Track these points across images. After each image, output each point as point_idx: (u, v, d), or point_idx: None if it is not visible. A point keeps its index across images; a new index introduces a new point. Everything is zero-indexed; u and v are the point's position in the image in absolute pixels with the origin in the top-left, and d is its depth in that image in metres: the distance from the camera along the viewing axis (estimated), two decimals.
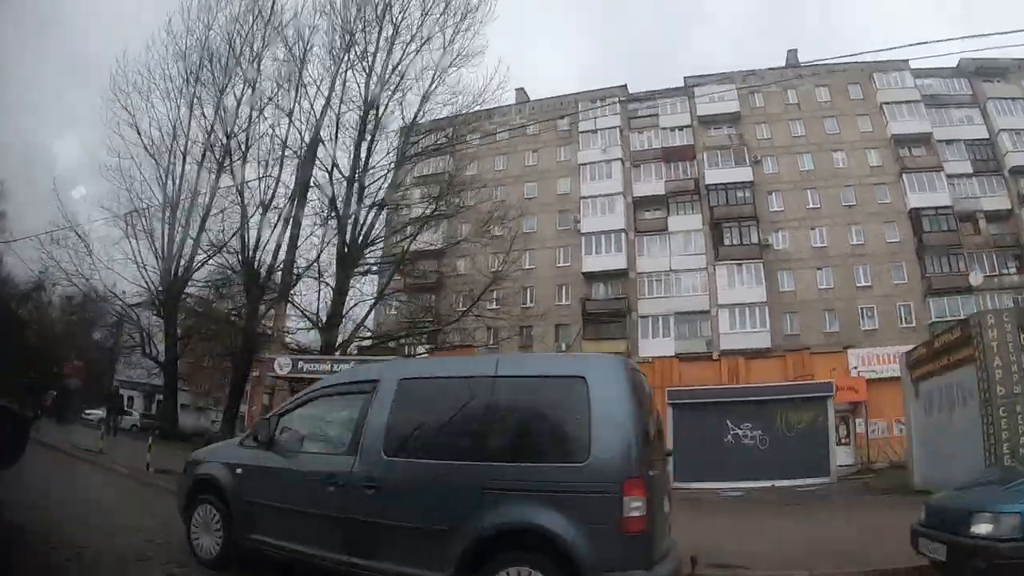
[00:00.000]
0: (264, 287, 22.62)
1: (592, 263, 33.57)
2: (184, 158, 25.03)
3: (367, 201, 21.68)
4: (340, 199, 21.40)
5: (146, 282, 24.72)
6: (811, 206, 32.94)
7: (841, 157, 33.43)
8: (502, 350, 27.70)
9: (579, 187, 35.21)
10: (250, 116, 23.27)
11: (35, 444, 14.67)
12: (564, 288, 34.15)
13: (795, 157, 33.86)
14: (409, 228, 22.38)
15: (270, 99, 22.39)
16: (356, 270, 21.40)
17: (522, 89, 38.55)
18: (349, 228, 21.31)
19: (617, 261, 33.32)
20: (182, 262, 25.03)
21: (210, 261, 24.89)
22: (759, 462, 18.49)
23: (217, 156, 23.88)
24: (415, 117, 21.52)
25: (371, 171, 21.75)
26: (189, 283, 25.55)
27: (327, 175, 21.30)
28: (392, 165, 21.82)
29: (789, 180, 33.50)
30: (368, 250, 21.59)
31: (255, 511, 5.24)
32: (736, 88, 34.31)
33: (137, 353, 27.96)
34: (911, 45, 36.98)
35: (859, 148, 33.42)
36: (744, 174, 33.48)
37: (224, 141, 23.39)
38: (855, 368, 26.02)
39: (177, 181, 25.04)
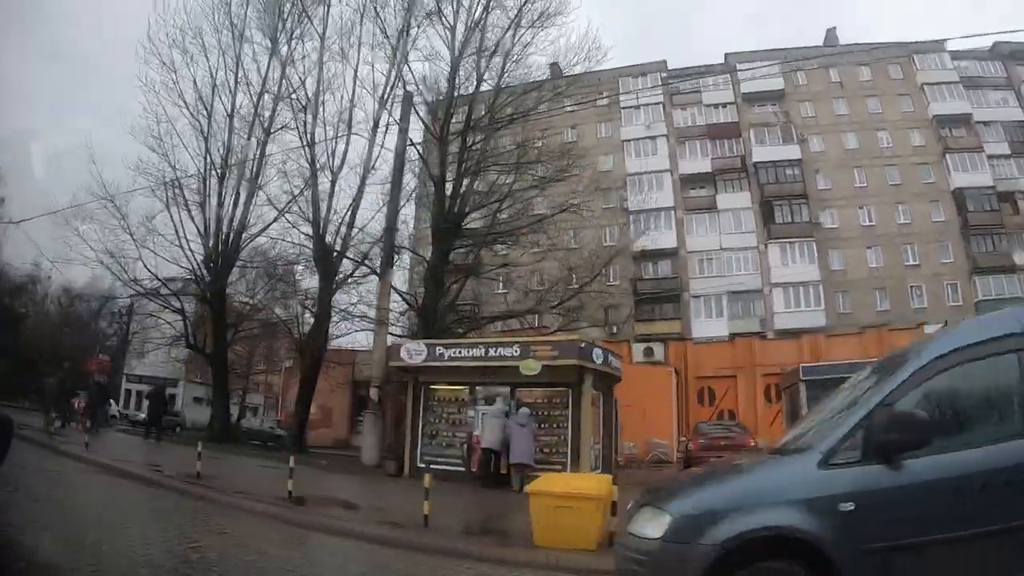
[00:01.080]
0: (338, 263, 20.58)
1: (642, 242, 32.55)
2: (231, 120, 22.59)
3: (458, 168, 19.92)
4: (434, 165, 19.64)
5: (190, 262, 22.23)
6: (858, 184, 32.88)
7: (885, 136, 33.48)
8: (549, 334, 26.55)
9: (624, 164, 34.12)
10: (320, 73, 20.98)
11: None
12: (612, 268, 33.01)
13: (840, 135, 33.72)
14: (496, 202, 20.54)
15: (343, 54, 20.24)
16: (456, 243, 19.62)
17: (556, 64, 37.00)
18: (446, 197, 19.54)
19: (667, 240, 32.44)
20: (231, 238, 22.58)
21: (265, 236, 22.49)
22: None
23: (264, 120, 21.65)
24: (500, 78, 19.85)
25: (454, 138, 19.93)
26: (237, 263, 22.98)
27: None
28: (479, 126, 19.99)
29: (835, 158, 33.35)
30: (467, 221, 19.81)
31: (883, 561, 3.39)
32: (779, 65, 33.67)
33: (179, 344, 24.81)
34: (955, 38, 37.04)
35: (902, 128, 33.53)
36: (792, 152, 33.15)
37: (289, 96, 21.07)
38: None
39: (224, 146, 22.59)
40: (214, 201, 22.23)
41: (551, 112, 21.32)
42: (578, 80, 21.93)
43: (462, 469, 14.16)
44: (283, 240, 21.39)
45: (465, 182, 19.79)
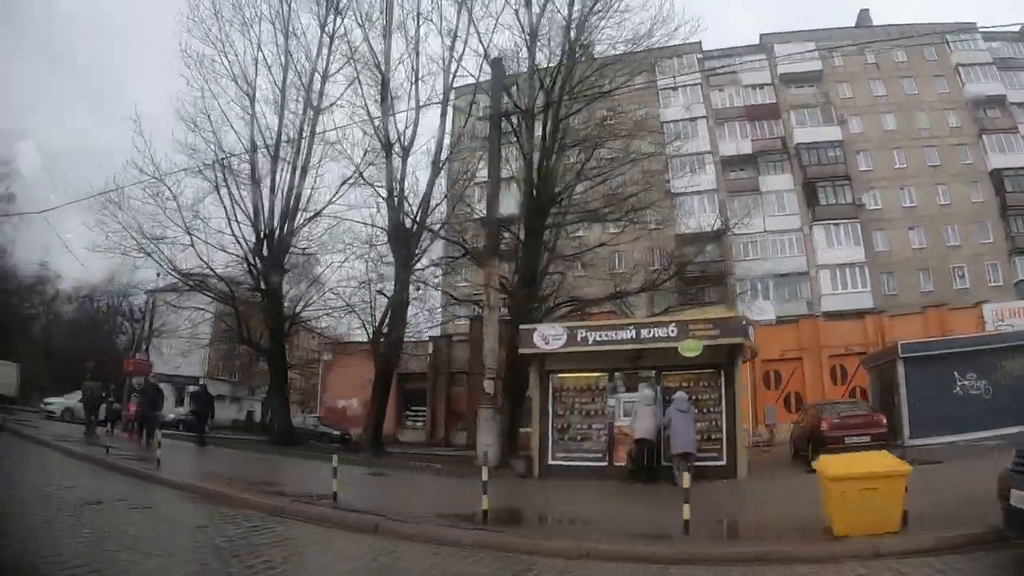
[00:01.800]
0: (416, 244, 19.26)
1: (686, 224, 31.91)
2: (283, 95, 20.99)
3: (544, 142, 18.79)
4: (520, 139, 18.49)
5: (242, 248, 20.59)
6: (898, 166, 32.82)
7: (922, 117, 33.46)
8: (597, 318, 25.80)
9: (664, 146, 33.31)
10: (388, 44, 19.56)
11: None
12: (655, 251, 32.34)
13: (878, 117, 33.61)
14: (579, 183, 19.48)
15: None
16: (548, 222, 18.53)
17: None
18: (535, 173, 18.41)
19: (711, 222, 31.81)
20: (284, 222, 20.95)
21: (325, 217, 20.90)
22: (987, 412, 17.61)
23: (315, 97, 20.17)
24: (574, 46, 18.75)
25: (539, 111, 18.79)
26: (291, 248, 21.36)
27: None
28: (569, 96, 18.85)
29: (875, 139, 33.24)
30: (562, 197, 18.72)
31: None
32: (816, 46, 33.47)
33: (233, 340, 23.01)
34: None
35: (938, 109, 33.56)
36: (833, 133, 32.90)
37: (354, 64, 19.59)
38: (998, 322, 25.93)
39: (276, 124, 20.96)
40: (267, 182, 20.77)
41: (633, 87, 20.41)
42: (650, 55, 20.89)
43: (602, 464, 13.14)
44: (344, 221, 19.79)
45: (553, 159, 18.74)
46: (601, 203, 19.04)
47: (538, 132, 18.74)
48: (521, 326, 14.96)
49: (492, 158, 17.33)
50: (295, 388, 41.22)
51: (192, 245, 19.80)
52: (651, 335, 13.16)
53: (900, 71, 34.28)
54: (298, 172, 20.68)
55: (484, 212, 20.35)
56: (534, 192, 18.31)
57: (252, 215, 20.44)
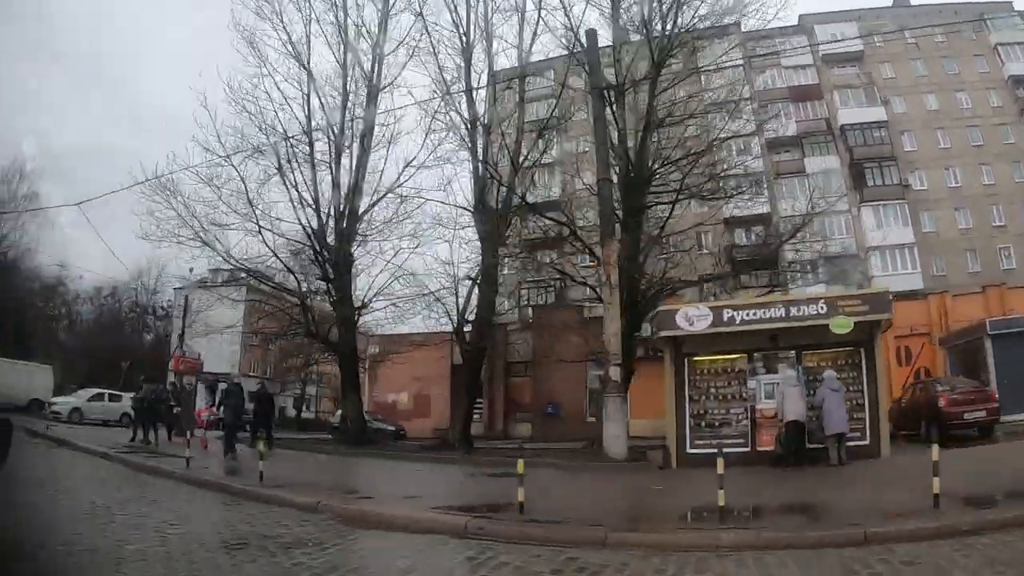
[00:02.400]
0: (504, 225, 18.28)
1: (734, 208, 31.36)
2: (347, 72, 19.81)
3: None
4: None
5: (308, 235, 19.42)
6: (942, 146, 32.62)
7: (964, 97, 33.29)
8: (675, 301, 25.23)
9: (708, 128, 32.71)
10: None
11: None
12: (702, 236, 31.78)
13: (921, 97, 33.35)
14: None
15: None
16: (646, 201, 17.73)
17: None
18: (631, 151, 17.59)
19: (759, 205, 31.32)
20: (349, 206, 19.80)
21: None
22: None
23: (382, 76, 19.02)
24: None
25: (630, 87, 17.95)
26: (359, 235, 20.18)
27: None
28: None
29: (919, 120, 32.99)
30: (657, 176, 17.91)
31: None
32: (857, 26, 33.16)
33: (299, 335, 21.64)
34: None
35: (979, 89, 33.39)
36: (878, 113, 32.60)
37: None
38: None
39: (339, 101, 19.77)
40: (332, 165, 19.62)
41: (721, 64, 19.74)
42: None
43: (744, 450, 12.51)
44: (424, 202, 18.66)
45: (647, 137, 17.92)
46: (698, 180, 18.27)
47: (631, 109, 18.00)
48: (660, 307, 14.26)
49: (598, 131, 16.52)
50: (327, 383, 40.12)
51: (259, 231, 18.60)
52: (800, 312, 12.61)
53: (940, 51, 34.02)
54: (365, 153, 19.63)
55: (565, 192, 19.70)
56: (630, 170, 17.54)
57: (314, 200, 19.37)
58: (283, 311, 20.57)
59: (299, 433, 29.12)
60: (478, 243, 18.04)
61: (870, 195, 31.49)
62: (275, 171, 18.93)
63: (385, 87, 19.69)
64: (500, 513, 7.50)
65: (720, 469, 7.25)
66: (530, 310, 27.25)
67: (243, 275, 20.14)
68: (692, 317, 13.11)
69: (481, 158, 18.29)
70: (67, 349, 34.49)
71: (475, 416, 27.80)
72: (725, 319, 12.90)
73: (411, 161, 18.98)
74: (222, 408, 14.47)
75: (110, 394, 27.85)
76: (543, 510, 7.45)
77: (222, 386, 14.98)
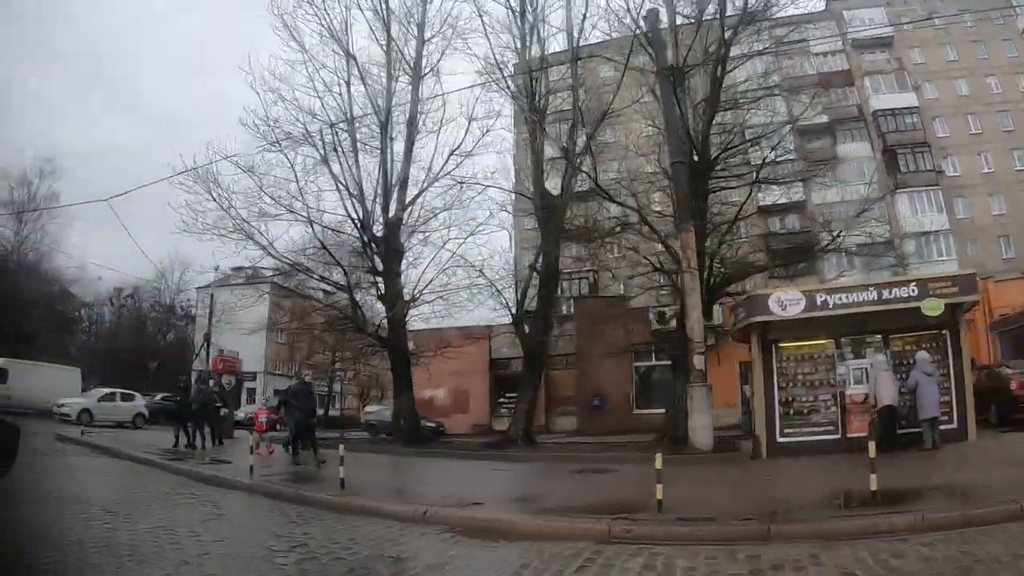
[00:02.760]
0: (563, 214, 17.83)
1: (767, 196, 31.02)
2: (390, 57, 19.29)
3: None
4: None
5: (355, 225, 18.96)
6: (973, 132, 32.36)
7: (994, 82, 33.02)
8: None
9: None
10: None
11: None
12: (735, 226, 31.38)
13: (951, 82, 33.06)
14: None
15: None
16: (710, 186, 17.36)
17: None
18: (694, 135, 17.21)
19: (793, 192, 30.97)
20: (396, 196, 19.32)
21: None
22: None
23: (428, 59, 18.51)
24: None
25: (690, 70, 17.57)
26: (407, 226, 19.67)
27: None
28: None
29: (950, 105, 32.72)
30: (721, 160, 17.55)
31: None
32: (886, 10, 32.78)
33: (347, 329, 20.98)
34: None
35: (1008, 74, 33.08)
36: (909, 99, 32.32)
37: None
38: None
39: (388, 87, 19.27)
40: (377, 153, 19.16)
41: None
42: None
43: (835, 437, 12.36)
44: (472, 184, 18.16)
45: (710, 120, 17.56)
46: (756, 166, 17.94)
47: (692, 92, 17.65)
48: (752, 292, 14.00)
49: (668, 113, 16.21)
50: (356, 379, 39.68)
51: (310, 222, 18.13)
52: (892, 295, 12.43)
53: (969, 35, 33.70)
54: (411, 140, 19.16)
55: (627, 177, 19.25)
56: (694, 154, 17.17)
57: (359, 190, 18.90)
58: (331, 307, 19.97)
59: (328, 431, 28.66)
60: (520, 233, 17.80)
61: (904, 181, 31.20)
62: (317, 160, 18.58)
63: (426, 73, 19.31)
64: (636, 514, 7.06)
65: (872, 453, 7.18)
66: (571, 302, 26.90)
67: (287, 269, 19.44)
68: (785, 302, 12.85)
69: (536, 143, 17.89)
70: (90, 351, 33.91)
71: (510, 411, 27.57)
72: (818, 303, 12.71)
73: (456, 149, 18.71)
74: (287, 410, 13.52)
75: (122, 394, 26.85)
76: (673, 506, 7.09)
77: (291, 385, 14.05)
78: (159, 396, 29.09)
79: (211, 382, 18.73)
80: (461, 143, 18.37)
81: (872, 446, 7.45)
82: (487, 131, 18.47)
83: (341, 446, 9.94)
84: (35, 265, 31.37)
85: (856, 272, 26.76)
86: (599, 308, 24.25)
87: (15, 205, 30.64)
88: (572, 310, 26.70)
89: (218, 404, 17.17)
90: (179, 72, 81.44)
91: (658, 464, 7.54)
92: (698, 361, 14.19)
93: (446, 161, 18.75)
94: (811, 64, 33.63)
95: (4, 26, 54.33)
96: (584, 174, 16.74)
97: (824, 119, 32.44)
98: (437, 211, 17.72)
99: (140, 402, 26.78)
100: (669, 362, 24.10)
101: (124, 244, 56.90)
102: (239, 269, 34.24)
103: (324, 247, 18.34)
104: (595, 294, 28.91)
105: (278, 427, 16.00)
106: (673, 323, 23.53)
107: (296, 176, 17.38)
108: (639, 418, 23.50)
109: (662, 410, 23.82)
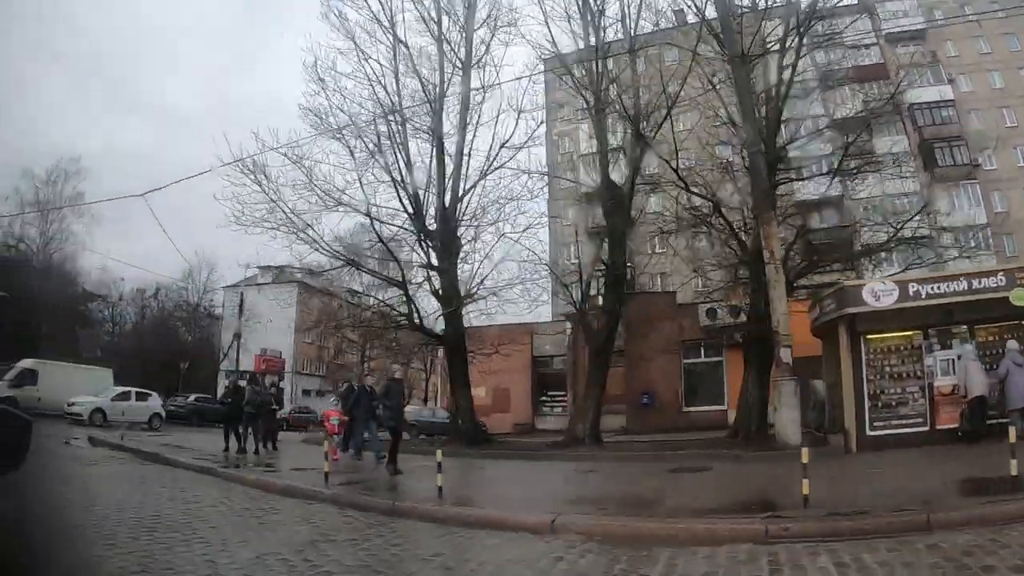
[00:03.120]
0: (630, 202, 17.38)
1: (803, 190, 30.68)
2: (441, 46, 18.85)
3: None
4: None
5: (414, 219, 18.51)
6: (1008, 125, 32.08)
7: None
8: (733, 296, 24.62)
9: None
10: None
11: None
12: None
13: (985, 75, 32.80)
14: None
15: None
16: (776, 179, 16.99)
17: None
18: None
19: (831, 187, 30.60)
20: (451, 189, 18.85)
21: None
22: None
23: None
24: None
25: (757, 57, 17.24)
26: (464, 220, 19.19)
27: None
28: None
29: (985, 98, 32.46)
30: (786, 152, 17.20)
31: None
32: (919, 4, 32.52)
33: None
34: None
35: None
36: (945, 92, 32.01)
37: None
38: None
39: (440, 77, 18.83)
40: (433, 143, 18.72)
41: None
42: None
43: (923, 429, 12.30)
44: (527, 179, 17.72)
45: (780, 110, 17.22)
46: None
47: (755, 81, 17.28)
48: (845, 283, 13.77)
49: (743, 101, 15.97)
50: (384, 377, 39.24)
51: (369, 217, 17.69)
52: (981, 285, 12.36)
53: (1002, 27, 33.39)
54: (464, 131, 18.74)
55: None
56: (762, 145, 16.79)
57: (410, 183, 18.48)
58: (385, 303, 19.43)
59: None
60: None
61: (941, 176, 30.94)
62: (367, 153, 18.18)
63: (478, 61, 18.88)
64: (783, 512, 6.67)
65: (1012, 438, 7.17)
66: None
67: (340, 264, 18.96)
68: (878, 292, 12.72)
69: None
70: (116, 351, 33.31)
71: (556, 410, 27.19)
72: (911, 293, 12.53)
73: (507, 141, 18.37)
74: (381, 410, 12.52)
75: (137, 392, 25.67)
76: (813, 502, 6.71)
77: (380, 384, 13.24)
78: (192, 397, 28.68)
79: (268, 383, 18.07)
80: (512, 134, 18.11)
81: (1012, 431, 7.41)
82: (541, 123, 18.17)
83: (439, 451, 9.22)
84: (60, 265, 30.87)
85: (893, 268, 26.52)
86: (647, 305, 23.89)
87: (40, 204, 30.10)
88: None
89: (273, 406, 16.45)
90: (199, 73, 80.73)
91: (804, 458, 7.22)
92: (785, 354, 13.96)
93: (496, 153, 18.46)
94: (873, 54, 33.30)
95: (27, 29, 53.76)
96: (664, 162, 16.32)
97: (860, 113, 32.16)
98: (502, 201, 17.24)
99: (156, 402, 25.91)
100: (720, 358, 23.99)
101: (144, 244, 56.46)
102: (266, 268, 33.87)
103: (381, 240, 17.92)
104: (632, 290, 28.54)
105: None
106: (724, 319, 23.30)
107: (355, 162, 17.01)
108: (688, 416, 23.18)
109: (713, 407, 23.67)
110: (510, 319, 22.94)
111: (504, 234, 19.71)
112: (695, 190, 16.40)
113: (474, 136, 19.06)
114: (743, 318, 22.28)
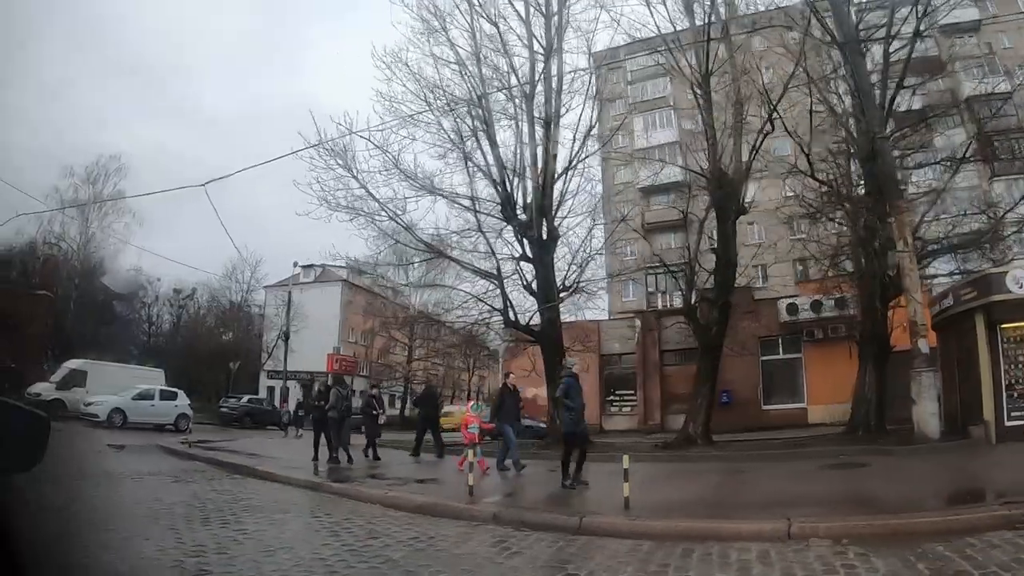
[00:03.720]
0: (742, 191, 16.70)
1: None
2: (531, 30, 18.16)
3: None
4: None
5: (508, 207, 17.87)
6: None
7: None
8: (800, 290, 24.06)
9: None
10: None
11: None
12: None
13: None
14: None
15: None
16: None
17: None
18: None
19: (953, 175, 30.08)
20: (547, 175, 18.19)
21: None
22: None
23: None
24: None
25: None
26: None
27: None
28: None
29: None
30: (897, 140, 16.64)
31: None
32: None
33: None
34: None
35: None
36: (1002, 84, 31.39)
37: None
38: None
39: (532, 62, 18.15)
40: (523, 130, 18.07)
41: None
42: None
43: None
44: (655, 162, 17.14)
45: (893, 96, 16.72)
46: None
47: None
48: (991, 270, 13.32)
49: (862, 85, 15.38)
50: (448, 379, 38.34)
51: (474, 203, 17.06)
52: None
53: None
54: (557, 117, 18.12)
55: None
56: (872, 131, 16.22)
57: (499, 173, 17.84)
58: (480, 298, 18.61)
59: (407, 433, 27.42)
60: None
61: (1001, 169, 30.39)
62: (455, 141, 17.57)
63: (556, 49, 18.20)
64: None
65: None
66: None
67: (434, 255, 18.25)
68: (1022, 280, 12.14)
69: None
70: (158, 352, 32.55)
71: (624, 409, 26.52)
72: None
73: (591, 130, 17.72)
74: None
75: (162, 391, 23.65)
76: None
77: (509, 381, 12.13)
78: (245, 399, 27.84)
79: (374, 388, 17.09)
80: (594, 123, 17.46)
81: None
82: (629, 112, 17.53)
83: (626, 456, 7.96)
84: (99, 264, 30.13)
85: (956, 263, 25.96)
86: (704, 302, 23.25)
87: (79, 202, 29.33)
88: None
89: (376, 411, 14.86)
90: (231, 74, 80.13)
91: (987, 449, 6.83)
92: (923, 345, 13.43)
93: (582, 143, 17.84)
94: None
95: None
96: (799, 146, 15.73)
97: (917, 105, 31.65)
98: (623, 185, 16.57)
99: (184, 401, 23.92)
100: (798, 355, 23.38)
101: (181, 244, 55.47)
102: (308, 267, 33.18)
103: (480, 231, 17.30)
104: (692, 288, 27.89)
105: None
106: (805, 313, 22.71)
107: (463, 141, 16.38)
108: (768, 414, 22.57)
109: (792, 405, 23.07)
110: (567, 316, 22.25)
111: (593, 225, 19.20)
112: (820, 177, 15.78)
113: (556, 126, 18.42)
114: (829, 311, 21.81)
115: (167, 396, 23.52)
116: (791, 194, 17.39)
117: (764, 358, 23.39)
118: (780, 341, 23.27)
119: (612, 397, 26.43)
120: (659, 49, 16.92)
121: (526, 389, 28.06)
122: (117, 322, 32.23)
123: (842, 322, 22.22)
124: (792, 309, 22.31)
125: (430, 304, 28.06)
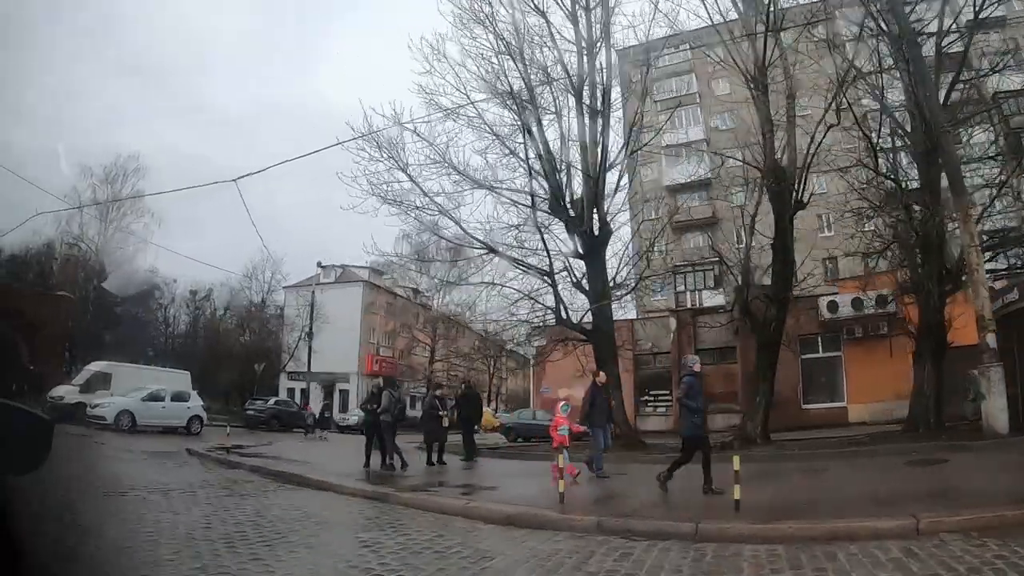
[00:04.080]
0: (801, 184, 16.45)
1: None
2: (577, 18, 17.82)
3: None
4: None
5: (563, 202, 17.57)
6: None
7: None
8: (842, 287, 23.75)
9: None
10: None
11: None
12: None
13: None
14: None
15: None
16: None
17: None
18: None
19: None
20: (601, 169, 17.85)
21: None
22: None
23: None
24: None
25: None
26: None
27: None
28: None
29: None
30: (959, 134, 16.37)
31: None
32: None
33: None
34: None
35: None
36: None
37: None
38: None
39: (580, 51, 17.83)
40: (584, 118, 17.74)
41: None
42: None
43: None
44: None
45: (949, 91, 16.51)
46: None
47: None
48: None
49: (923, 79, 15.11)
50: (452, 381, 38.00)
51: (531, 199, 16.75)
52: None
53: None
54: (607, 109, 17.84)
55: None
56: (925, 128, 15.98)
57: (549, 166, 17.54)
58: (531, 297, 18.20)
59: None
60: None
61: None
62: (493, 135, 17.30)
63: (599, 42, 17.88)
64: None
65: None
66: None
67: (488, 250, 17.92)
68: None
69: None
70: (176, 354, 32.19)
71: (659, 409, 26.19)
72: None
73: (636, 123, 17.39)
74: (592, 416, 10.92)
75: (173, 392, 22.55)
76: None
77: (599, 379, 11.54)
78: (272, 400, 27.46)
79: (439, 388, 16.55)
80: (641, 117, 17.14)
81: None
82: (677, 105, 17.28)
83: (736, 458, 7.50)
84: (119, 265, 29.73)
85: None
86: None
87: (98, 201, 28.97)
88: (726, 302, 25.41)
89: (441, 412, 13.96)
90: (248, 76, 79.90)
91: None
92: (990, 339, 13.15)
93: (636, 136, 17.48)
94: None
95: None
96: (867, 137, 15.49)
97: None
98: (651, 184, 16.22)
99: (197, 403, 23.22)
100: (838, 353, 23.11)
101: (199, 245, 55.06)
102: (328, 268, 32.83)
103: (537, 227, 16.97)
104: (723, 286, 27.64)
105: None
106: (845, 310, 22.43)
107: (523, 129, 16.04)
108: (808, 413, 22.29)
109: (832, 404, 22.79)
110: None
111: (643, 221, 18.88)
112: (883, 172, 15.52)
113: (605, 123, 18.15)
114: (870, 309, 21.50)
115: (178, 397, 22.59)
116: (835, 193, 17.01)
117: (803, 357, 23.10)
118: (819, 339, 23.00)
119: (646, 397, 26.11)
120: (708, 43, 16.60)
121: (554, 391, 27.85)
122: (132, 324, 31.78)
123: (883, 319, 21.98)
124: (832, 307, 22.02)
125: (452, 304, 27.78)
